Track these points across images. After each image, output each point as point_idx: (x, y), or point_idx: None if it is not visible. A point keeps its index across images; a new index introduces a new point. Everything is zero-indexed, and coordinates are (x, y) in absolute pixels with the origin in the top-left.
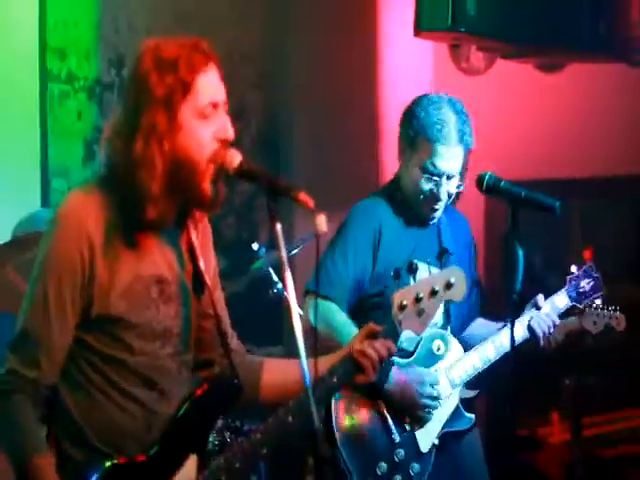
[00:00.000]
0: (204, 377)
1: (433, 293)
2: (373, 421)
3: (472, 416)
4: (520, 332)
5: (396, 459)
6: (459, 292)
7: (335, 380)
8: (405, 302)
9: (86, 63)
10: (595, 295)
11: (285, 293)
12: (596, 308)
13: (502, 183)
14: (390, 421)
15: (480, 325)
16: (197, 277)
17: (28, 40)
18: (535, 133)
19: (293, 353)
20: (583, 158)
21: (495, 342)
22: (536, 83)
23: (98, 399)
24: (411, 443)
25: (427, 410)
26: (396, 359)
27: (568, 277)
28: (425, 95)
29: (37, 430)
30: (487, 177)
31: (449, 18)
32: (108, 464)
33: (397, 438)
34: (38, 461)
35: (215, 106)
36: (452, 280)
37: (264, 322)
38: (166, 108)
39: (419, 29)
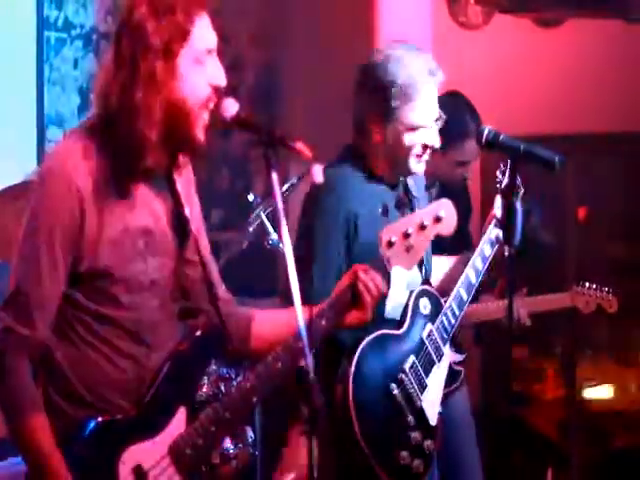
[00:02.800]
0: (191, 326)
1: (422, 228)
2: (385, 404)
3: (461, 369)
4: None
5: (413, 443)
6: (449, 225)
7: (324, 323)
8: (394, 238)
9: (83, 11)
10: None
11: (280, 244)
12: (589, 288)
13: (501, 137)
14: (403, 402)
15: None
16: (182, 225)
17: None
18: (532, 89)
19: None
20: (579, 114)
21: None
22: (534, 39)
23: (89, 355)
24: (423, 420)
25: None
26: (389, 331)
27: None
28: (382, 55)
29: (33, 389)
30: (486, 131)
31: None
32: (99, 420)
33: (412, 420)
34: (34, 420)
35: (209, 52)
36: (441, 214)
37: (259, 273)
38: (164, 57)
39: None
